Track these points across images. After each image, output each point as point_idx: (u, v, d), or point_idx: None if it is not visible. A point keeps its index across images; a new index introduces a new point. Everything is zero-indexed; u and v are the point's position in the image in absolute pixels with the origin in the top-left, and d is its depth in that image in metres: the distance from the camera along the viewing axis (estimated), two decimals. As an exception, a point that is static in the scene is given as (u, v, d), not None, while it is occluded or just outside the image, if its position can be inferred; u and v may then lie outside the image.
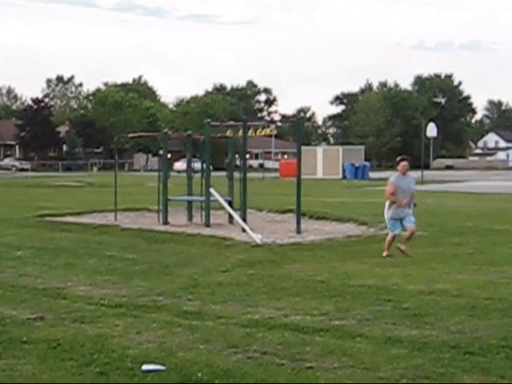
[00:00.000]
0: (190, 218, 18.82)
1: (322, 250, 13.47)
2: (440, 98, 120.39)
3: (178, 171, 17.84)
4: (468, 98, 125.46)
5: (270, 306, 8.47)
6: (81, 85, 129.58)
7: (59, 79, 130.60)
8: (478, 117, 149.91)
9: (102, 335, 7.17)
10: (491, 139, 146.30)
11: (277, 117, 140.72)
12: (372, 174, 60.09)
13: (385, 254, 12.64)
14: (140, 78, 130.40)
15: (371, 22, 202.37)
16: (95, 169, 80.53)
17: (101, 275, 10.71)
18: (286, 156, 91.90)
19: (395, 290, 9.40)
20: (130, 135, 30.31)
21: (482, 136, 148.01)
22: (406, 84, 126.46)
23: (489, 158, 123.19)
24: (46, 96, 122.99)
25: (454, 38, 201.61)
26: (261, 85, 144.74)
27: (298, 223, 16.21)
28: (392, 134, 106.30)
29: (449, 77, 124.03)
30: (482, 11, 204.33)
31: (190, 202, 19.05)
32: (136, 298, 9.01)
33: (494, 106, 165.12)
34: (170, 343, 6.89)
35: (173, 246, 14.05)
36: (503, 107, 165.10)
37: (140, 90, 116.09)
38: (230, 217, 17.79)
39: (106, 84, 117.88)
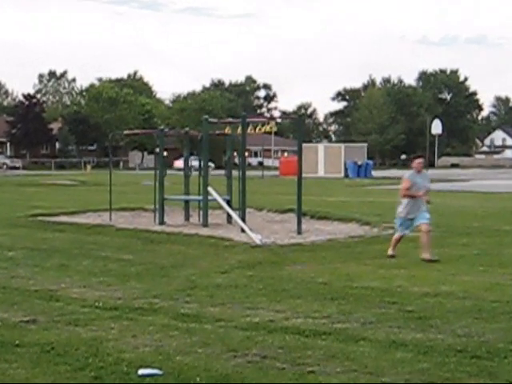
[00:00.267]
0: (187, 217, 18.82)
1: (323, 250, 13.47)
2: (445, 94, 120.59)
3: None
4: (474, 94, 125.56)
5: (270, 309, 8.47)
6: (74, 80, 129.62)
7: (52, 74, 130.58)
8: (484, 113, 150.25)
9: (96, 338, 7.17)
10: (498, 136, 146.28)
11: (276, 113, 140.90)
12: (375, 173, 60.12)
13: (390, 252, 12.60)
14: (135, 73, 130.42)
15: (374, 16, 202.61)
16: (89, 167, 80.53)
17: (95, 277, 10.71)
18: (286, 154, 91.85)
19: (399, 292, 9.41)
20: (125, 132, 30.30)
21: (489, 133, 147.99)
22: (410, 80, 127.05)
23: (496, 156, 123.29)
24: (38, 92, 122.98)
25: (460, 33, 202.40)
26: (260, 80, 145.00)
27: (299, 223, 16.21)
28: (396, 131, 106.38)
29: (454, 72, 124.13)
30: (488, 5, 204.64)
31: (187, 202, 19.06)
32: (132, 301, 9.01)
33: (501, 102, 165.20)
34: (167, 347, 6.90)
35: (169, 247, 14.05)
36: (510, 103, 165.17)
37: (135, 85, 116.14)
38: (229, 216, 17.79)
39: (100, 79, 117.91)
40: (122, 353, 6.69)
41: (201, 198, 17.82)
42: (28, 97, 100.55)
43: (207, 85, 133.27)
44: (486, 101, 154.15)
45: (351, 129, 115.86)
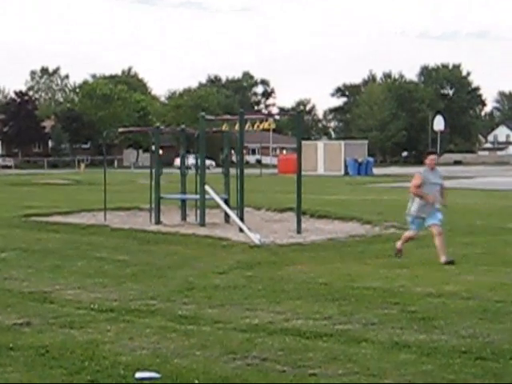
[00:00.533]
0: (184, 217, 18.83)
1: (323, 250, 13.49)
2: (447, 89, 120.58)
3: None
4: (477, 89, 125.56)
5: (269, 310, 8.48)
6: (67, 77, 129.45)
7: (44, 71, 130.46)
8: (487, 109, 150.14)
9: (92, 341, 7.18)
10: (502, 133, 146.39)
11: (275, 110, 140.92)
12: (376, 170, 60.16)
13: (399, 244, 12.46)
14: (130, 69, 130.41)
15: (374, 10, 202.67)
16: (83, 166, 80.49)
17: (90, 278, 10.71)
18: (284, 151, 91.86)
19: (402, 293, 9.42)
20: (119, 130, 30.22)
21: (492, 129, 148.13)
22: (412, 75, 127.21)
23: (499, 153, 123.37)
24: (30, 89, 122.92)
25: (462, 27, 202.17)
26: (257, 76, 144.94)
27: (299, 222, 16.22)
28: (397, 127, 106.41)
29: (457, 67, 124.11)
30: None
31: (183, 201, 19.07)
32: (128, 302, 9.02)
33: (505, 97, 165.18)
34: (164, 349, 6.90)
35: (166, 247, 14.06)
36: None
37: (130, 82, 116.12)
38: (227, 216, 17.80)
39: (93, 76, 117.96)
40: (118, 356, 6.69)
41: (198, 196, 17.83)
42: (20, 94, 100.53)
43: (203, 81, 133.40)
44: (489, 96, 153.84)
45: (351, 125, 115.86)
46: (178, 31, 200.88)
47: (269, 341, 7.15)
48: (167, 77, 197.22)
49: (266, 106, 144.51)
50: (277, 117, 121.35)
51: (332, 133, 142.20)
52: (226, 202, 17.85)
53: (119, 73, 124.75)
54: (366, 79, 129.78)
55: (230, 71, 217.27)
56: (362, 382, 6.00)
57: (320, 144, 64.38)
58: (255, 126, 18.43)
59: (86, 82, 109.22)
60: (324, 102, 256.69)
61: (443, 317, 8.07)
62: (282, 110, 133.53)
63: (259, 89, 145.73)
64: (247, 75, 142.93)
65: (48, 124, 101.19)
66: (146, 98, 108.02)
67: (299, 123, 18.23)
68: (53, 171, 71.87)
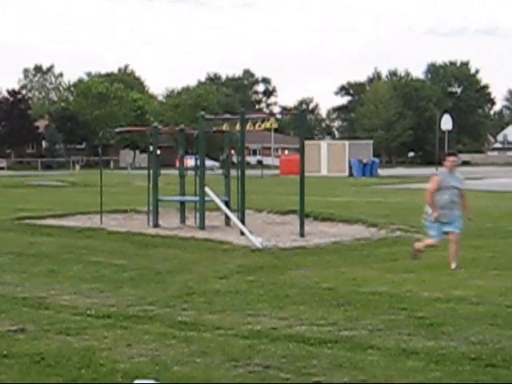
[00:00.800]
0: (183, 219, 18.85)
1: (328, 254, 13.50)
2: (455, 87, 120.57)
3: (187, 168, 18.14)
4: (486, 87, 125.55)
5: (272, 316, 8.50)
6: (61, 75, 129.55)
7: (37, 69, 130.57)
8: (497, 108, 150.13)
9: (89, 348, 7.19)
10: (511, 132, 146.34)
11: (276, 109, 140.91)
12: (381, 171, 60.17)
13: (418, 246, 12.21)
14: (126, 67, 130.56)
15: (379, 5, 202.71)
16: (78, 167, 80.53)
17: (86, 283, 10.73)
18: (286, 152, 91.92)
19: (409, 298, 9.43)
20: (116, 130, 30.35)
21: (502, 129, 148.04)
22: (418, 72, 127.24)
23: (509, 153, 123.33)
24: (23, 87, 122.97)
25: (470, 23, 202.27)
26: (259, 74, 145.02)
27: (302, 225, 16.23)
28: (403, 127, 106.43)
29: (465, 64, 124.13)
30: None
31: (182, 203, 19.08)
32: (125, 308, 9.03)
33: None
34: (163, 356, 6.91)
35: (164, 251, 14.07)
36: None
37: (126, 80, 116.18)
38: (227, 218, 17.82)
39: (88, 74, 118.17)
40: (116, 363, 6.70)
41: (197, 198, 17.84)
42: (12, 93, 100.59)
43: (203, 79, 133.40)
44: (499, 94, 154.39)
45: (356, 125, 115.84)
46: (177, 27, 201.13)
47: (272, 347, 7.16)
48: (165, 75, 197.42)
49: (268, 105, 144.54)
50: (279, 116, 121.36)
51: (336, 132, 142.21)
52: (227, 204, 17.86)
53: (115, 71, 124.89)
54: (371, 77, 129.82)
55: (230, 69, 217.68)
56: (368, 389, 6.01)
57: (323, 144, 64.37)
58: (257, 126, 18.45)
59: (80, 81, 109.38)
60: (327, 100, 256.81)
61: (452, 322, 8.08)
62: (284, 109, 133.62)
63: (260, 87, 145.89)
64: (248, 73, 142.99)
65: (42, 124, 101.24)
66: (143, 97, 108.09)
67: (302, 123, 18.24)
68: (47, 172, 71.90)
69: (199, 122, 17.84)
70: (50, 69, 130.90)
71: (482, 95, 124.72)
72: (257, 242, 14.33)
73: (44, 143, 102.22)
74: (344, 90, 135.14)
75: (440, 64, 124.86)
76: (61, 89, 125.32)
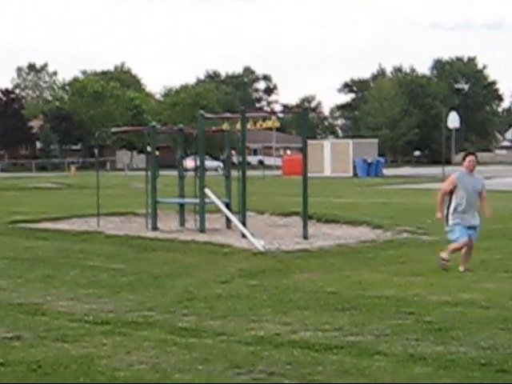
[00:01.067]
0: (183, 222, 18.86)
1: (332, 257, 13.51)
2: (462, 83, 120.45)
3: (186, 170, 18.15)
4: (494, 83, 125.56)
5: (275, 321, 8.51)
6: (55, 73, 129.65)
7: (31, 67, 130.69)
8: (505, 105, 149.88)
9: (87, 356, 7.20)
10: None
11: (278, 107, 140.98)
12: (386, 171, 60.20)
13: (444, 255, 11.95)
14: (122, 64, 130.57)
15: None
16: (73, 168, 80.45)
17: (84, 288, 10.74)
18: (288, 151, 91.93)
19: (417, 302, 9.45)
20: (112, 130, 30.33)
21: (510, 126, 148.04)
22: (424, 68, 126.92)
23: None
24: (16, 86, 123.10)
25: (476, 17, 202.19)
26: (259, 71, 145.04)
27: (305, 227, 16.24)
28: (409, 125, 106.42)
29: (472, 60, 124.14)
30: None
31: (182, 205, 19.09)
32: (124, 314, 9.04)
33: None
34: (164, 364, 6.93)
35: (164, 255, 14.09)
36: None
37: (123, 78, 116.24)
38: (228, 221, 17.83)
39: (84, 72, 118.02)
40: (115, 371, 6.72)
41: (197, 200, 17.85)
42: (5, 92, 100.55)
43: (202, 77, 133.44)
44: (507, 91, 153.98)
45: (360, 123, 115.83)
46: (175, 23, 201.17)
47: (275, 354, 7.17)
48: (163, 72, 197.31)
49: (269, 103, 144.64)
50: (280, 114, 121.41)
51: (339, 131, 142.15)
52: (228, 206, 17.88)
53: (111, 69, 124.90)
54: (375, 74, 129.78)
55: (229, 66, 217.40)
56: (375, 397, 6.02)
57: (326, 143, 64.40)
58: (258, 125, 18.45)
59: (75, 79, 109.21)
60: (330, 98, 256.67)
61: (461, 327, 8.09)
62: (286, 108, 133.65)
63: (261, 85, 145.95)
64: (248, 70, 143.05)
65: (36, 124, 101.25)
66: (140, 96, 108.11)
67: (305, 121, 18.25)
68: (41, 174, 71.89)
69: (199, 121, 17.85)
70: (43, 67, 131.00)
71: (490, 92, 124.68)
72: (259, 244, 14.34)
73: (38, 144, 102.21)
74: (347, 87, 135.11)
75: (446, 60, 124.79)
76: (55, 88, 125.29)
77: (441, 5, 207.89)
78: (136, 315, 8.95)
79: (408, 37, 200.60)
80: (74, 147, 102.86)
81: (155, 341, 7.73)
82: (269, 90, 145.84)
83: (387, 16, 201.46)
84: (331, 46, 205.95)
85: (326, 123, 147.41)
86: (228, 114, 25.42)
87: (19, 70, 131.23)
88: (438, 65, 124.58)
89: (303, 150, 17.02)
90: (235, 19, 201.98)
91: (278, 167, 68.63)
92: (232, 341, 7.70)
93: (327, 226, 18.23)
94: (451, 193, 11.92)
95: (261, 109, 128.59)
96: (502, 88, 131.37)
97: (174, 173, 19.67)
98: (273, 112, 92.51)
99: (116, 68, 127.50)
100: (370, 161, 58.53)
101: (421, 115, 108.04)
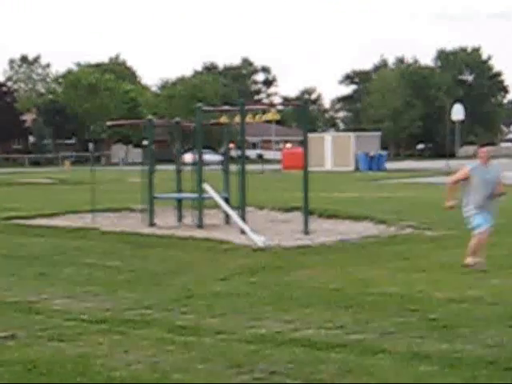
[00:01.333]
0: (180, 218, 18.88)
1: (334, 253, 13.53)
2: (467, 74, 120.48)
3: (186, 164, 18.14)
4: (499, 74, 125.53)
5: (276, 319, 8.52)
6: (48, 65, 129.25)
7: (23, 59, 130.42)
8: (510, 96, 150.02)
9: (83, 355, 7.22)
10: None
11: (277, 99, 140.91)
12: (389, 165, 60.18)
13: (470, 260, 11.66)
14: (117, 56, 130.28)
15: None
16: (67, 163, 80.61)
17: (80, 286, 10.76)
18: (288, 145, 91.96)
19: (421, 299, 9.46)
20: (108, 123, 30.34)
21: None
22: (427, 59, 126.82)
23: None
24: (8, 79, 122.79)
25: (481, 6, 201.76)
26: (258, 63, 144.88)
27: (306, 223, 16.27)
28: (412, 117, 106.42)
29: (476, 50, 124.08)
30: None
31: (179, 200, 19.11)
32: (121, 312, 9.06)
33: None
34: (162, 363, 6.94)
35: (161, 252, 14.11)
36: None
37: (118, 70, 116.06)
38: (227, 216, 17.85)
39: (78, 64, 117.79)
40: (112, 371, 6.73)
41: (195, 195, 17.86)
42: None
43: (199, 68, 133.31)
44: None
45: (361, 116, 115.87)
46: (170, 13, 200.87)
47: (277, 353, 7.19)
48: (159, 64, 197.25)
49: (268, 96, 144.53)
50: (280, 107, 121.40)
51: (340, 124, 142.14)
52: (227, 201, 17.89)
53: (106, 60, 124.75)
54: (377, 65, 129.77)
55: (227, 57, 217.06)
56: (379, 396, 6.04)
57: (327, 137, 64.42)
58: (257, 118, 18.46)
59: (69, 71, 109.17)
60: (331, 90, 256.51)
61: (467, 324, 8.11)
62: (286, 100, 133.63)
63: (260, 76, 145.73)
64: (246, 62, 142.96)
65: (29, 118, 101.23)
66: (135, 88, 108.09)
67: (305, 114, 18.27)
68: (35, 169, 71.92)
69: (196, 115, 17.85)
70: (36, 59, 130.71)
71: (495, 83, 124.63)
72: (259, 241, 14.36)
73: (31, 138, 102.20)
74: (349, 78, 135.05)
75: (450, 50, 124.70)
76: (48, 80, 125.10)
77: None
78: (133, 313, 8.96)
79: (411, 27, 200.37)
80: (68, 141, 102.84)
81: (153, 340, 7.75)
82: (268, 82, 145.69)
83: (389, 5, 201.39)
84: (332, 36, 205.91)
85: (327, 116, 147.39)
86: (226, 107, 25.40)
87: (11, 62, 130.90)
88: (442, 55, 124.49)
89: (304, 144, 17.03)
90: (233, 8, 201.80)
91: (277, 161, 68.61)
92: (232, 339, 7.71)
93: (329, 222, 18.26)
94: (467, 184, 11.72)
95: (260, 101, 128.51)
96: (508, 79, 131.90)
97: (171, 167, 19.65)
98: (272, 104, 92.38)
99: (111, 60, 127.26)
100: (372, 154, 58.53)
101: (424, 107, 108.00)
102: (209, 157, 20.20)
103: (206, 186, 17.42)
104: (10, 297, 10.13)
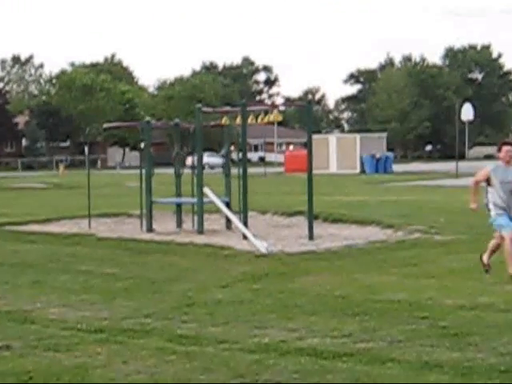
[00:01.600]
0: (180, 223, 18.89)
1: (340, 259, 13.54)
2: (476, 73, 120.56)
3: (192, 167, 18.09)
4: (509, 73, 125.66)
5: (281, 328, 8.53)
6: (42, 66, 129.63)
7: (15, 60, 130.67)
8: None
9: (81, 366, 7.22)
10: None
11: (279, 100, 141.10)
12: (396, 167, 60.22)
13: (485, 259, 11.73)
14: (113, 56, 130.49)
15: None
16: (62, 167, 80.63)
17: (76, 294, 10.76)
18: (291, 147, 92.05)
19: (431, 306, 9.47)
20: (104, 126, 30.35)
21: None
22: (435, 58, 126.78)
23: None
24: (0, 80, 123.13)
25: (491, 2, 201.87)
26: (259, 62, 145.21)
27: (311, 228, 16.27)
28: (419, 117, 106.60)
29: (486, 48, 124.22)
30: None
31: (179, 205, 19.11)
32: (120, 321, 9.06)
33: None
34: (163, 374, 6.95)
35: (160, 258, 14.12)
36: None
37: (113, 70, 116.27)
38: (228, 221, 17.86)
39: (72, 64, 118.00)
40: (111, 382, 6.74)
41: (195, 200, 17.88)
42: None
43: (198, 68, 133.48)
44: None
45: (367, 116, 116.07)
46: (168, 11, 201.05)
47: (281, 362, 7.19)
48: (156, 64, 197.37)
49: (270, 96, 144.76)
50: (282, 108, 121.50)
51: (345, 125, 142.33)
52: (228, 205, 17.91)
53: (101, 60, 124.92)
54: (383, 63, 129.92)
55: (227, 56, 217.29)
56: (388, 407, 6.05)
57: (332, 138, 64.41)
58: (259, 119, 18.46)
59: (63, 72, 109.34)
60: (335, 90, 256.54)
61: (478, 332, 8.11)
62: (288, 100, 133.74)
63: (261, 76, 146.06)
64: (247, 61, 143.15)
65: (21, 120, 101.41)
66: (132, 89, 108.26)
67: (309, 115, 18.28)
68: (28, 173, 71.97)
69: (196, 116, 17.87)
70: (29, 59, 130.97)
71: (506, 82, 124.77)
72: (261, 246, 14.36)
73: (24, 141, 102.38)
74: (353, 77, 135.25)
75: (459, 48, 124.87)
76: (41, 81, 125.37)
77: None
78: (132, 322, 8.97)
79: (418, 24, 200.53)
80: (62, 144, 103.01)
81: (153, 349, 7.75)
82: (270, 82, 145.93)
83: (396, 2, 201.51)
84: (336, 34, 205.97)
85: (331, 117, 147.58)
86: (227, 108, 25.42)
87: (3, 62, 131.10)
88: (450, 53, 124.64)
89: (308, 146, 17.05)
90: (233, 6, 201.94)
91: (279, 164, 68.66)
92: (235, 349, 7.72)
93: (334, 226, 18.26)
94: (489, 185, 11.57)
95: (261, 102, 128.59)
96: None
97: (170, 171, 19.67)
98: (274, 105, 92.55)
99: (106, 60, 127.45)
100: (378, 156, 58.55)
101: (432, 107, 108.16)
102: (214, 159, 20.12)
103: (207, 190, 17.43)
104: (3, 306, 10.12)
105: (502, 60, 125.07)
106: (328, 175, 49.66)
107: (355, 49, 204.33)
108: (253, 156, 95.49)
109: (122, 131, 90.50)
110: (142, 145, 19.52)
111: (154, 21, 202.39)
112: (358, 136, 64.04)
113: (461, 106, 53.25)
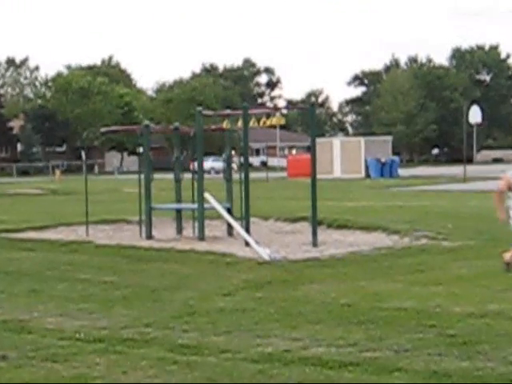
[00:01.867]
0: (180, 230, 18.90)
1: (345, 266, 13.54)
2: (484, 74, 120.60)
3: (195, 172, 18.14)
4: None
5: (284, 337, 8.53)
6: (37, 68, 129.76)
7: (10, 62, 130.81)
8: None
9: (79, 377, 7.22)
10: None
11: (281, 103, 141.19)
12: (402, 171, 60.24)
13: (507, 257, 11.90)
14: (110, 58, 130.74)
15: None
16: (58, 172, 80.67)
17: (73, 303, 10.76)
18: (294, 151, 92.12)
19: (439, 314, 9.47)
20: (101, 130, 30.33)
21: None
22: (442, 59, 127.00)
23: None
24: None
25: (499, 1, 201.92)
26: (260, 64, 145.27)
27: (314, 234, 16.27)
28: (425, 120, 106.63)
29: (494, 48, 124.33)
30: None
31: (179, 211, 19.13)
32: (119, 331, 9.06)
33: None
34: (164, 384, 6.96)
35: (160, 266, 14.12)
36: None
37: (111, 73, 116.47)
38: (230, 228, 17.86)
39: (68, 67, 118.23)
40: (111, 393, 6.75)
41: (196, 206, 17.89)
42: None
43: (197, 70, 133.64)
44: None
45: (372, 119, 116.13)
46: (167, 12, 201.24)
47: (285, 372, 7.20)
48: (155, 66, 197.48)
49: (272, 99, 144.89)
50: (284, 111, 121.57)
51: (349, 128, 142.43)
52: (229, 211, 17.92)
53: (98, 63, 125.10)
54: (389, 65, 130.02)
55: (228, 58, 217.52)
56: (396, 417, 6.05)
57: (336, 141, 64.41)
58: (261, 123, 18.49)
59: (59, 75, 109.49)
60: (339, 92, 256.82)
61: (488, 340, 8.11)
62: (291, 103, 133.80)
63: (263, 78, 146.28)
64: (248, 63, 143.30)
65: (16, 124, 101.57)
66: (130, 92, 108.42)
67: (312, 118, 18.27)
68: (23, 179, 72.00)
69: (196, 119, 17.89)
70: (24, 62, 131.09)
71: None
72: (264, 253, 14.37)
73: (19, 146, 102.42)
74: (358, 79, 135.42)
75: (466, 48, 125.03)
76: (37, 84, 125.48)
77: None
78: (132, 332, 8.97)
79: (424, 24, 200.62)
80: (58, 149, 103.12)
81: (153, 359, 7.76)
82: (271, 84, 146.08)
83: (401, 2, 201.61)
84: (340, 35, 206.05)
85: (335, 119, 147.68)
86: (228, 111, 25.43)
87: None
88: (457, 54, 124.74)
89: (312, 150, 17.05)
90: (233, 7, 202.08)
91: (282, 168, 68.69)
92: (237, 358, 7.72)
93: (339, 232, 18.26)
94: (510, 191, 11.64)
95: (263, 105, 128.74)
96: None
97: (170, 176, 19.69)
98: (276, 108, 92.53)
99: (103, 62, 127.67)
100: (383, 160, 58.57)
101: (439, 109, 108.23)
102: (220, 164, 20.12)
103: (208, 196, 17.45)
104: (-1, 315, 10.16)
105: (510, 61, 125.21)
106: (332, 180, 49.68)
107: (359, 50, 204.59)
108: (254, 160, 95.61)
109: (120, 135, 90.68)
110: (141, 149, 19.53)
111: (153, 22, 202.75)
112: (362, 139, 64.02)
113: (468, 108, 53.28)
